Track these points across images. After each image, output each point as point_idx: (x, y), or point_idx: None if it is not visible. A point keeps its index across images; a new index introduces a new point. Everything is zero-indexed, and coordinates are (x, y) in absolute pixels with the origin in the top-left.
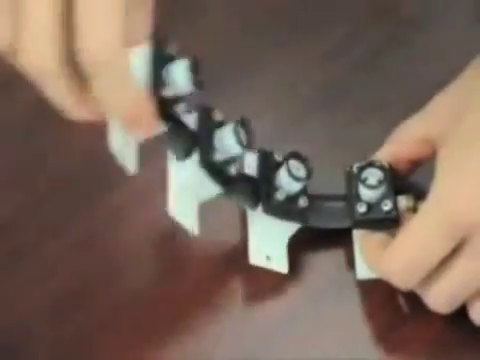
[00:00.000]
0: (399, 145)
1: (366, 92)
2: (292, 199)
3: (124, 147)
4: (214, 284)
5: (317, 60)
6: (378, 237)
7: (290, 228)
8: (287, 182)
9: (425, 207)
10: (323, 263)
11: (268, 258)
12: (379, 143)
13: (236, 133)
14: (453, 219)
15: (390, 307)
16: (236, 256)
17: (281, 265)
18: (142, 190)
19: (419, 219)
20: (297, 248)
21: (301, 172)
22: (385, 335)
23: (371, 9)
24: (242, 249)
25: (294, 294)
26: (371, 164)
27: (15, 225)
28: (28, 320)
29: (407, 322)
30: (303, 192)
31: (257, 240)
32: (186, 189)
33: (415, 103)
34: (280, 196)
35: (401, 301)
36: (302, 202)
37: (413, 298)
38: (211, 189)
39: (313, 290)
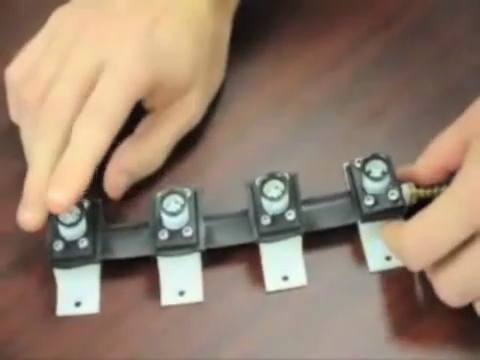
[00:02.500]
0: (434, 156)
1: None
2: (279, 218)
3: None
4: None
5: (321, 66)
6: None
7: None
8: (268, 205)
9: (450, 189)
10: (334, 260)
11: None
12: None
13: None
14: (474, 207)
15: (405, 302)
16: None
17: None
18: None
19: (443, 198)
20: (307, 249)
21: (278, 190)
22: (401, 330)
23: (373, 16)
24: None
25: (309, 293)
26: (374, 156)
27: None
28: None
29: (424, 316)
30: (289, 206)
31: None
32: None
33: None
34: (265, 221)
35: (417, 296)
36: (289, 216)
37: (429, 293)
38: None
39: (327, 288)
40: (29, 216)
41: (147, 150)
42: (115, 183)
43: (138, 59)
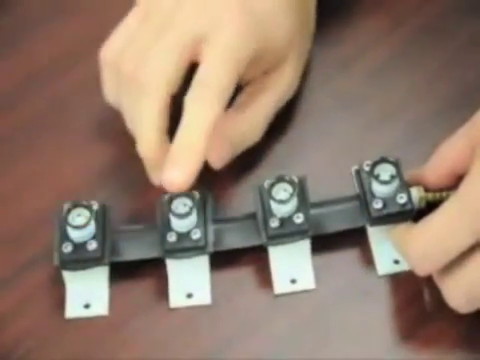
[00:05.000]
0: (442, 160)
1: (379, 101)
2: (287, 220)
3: None
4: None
5: (331, 68)
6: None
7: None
8: (277, 208)
9: (457, 194)
10: (342, 264)
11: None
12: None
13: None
14: (478, 214)
15: (414, 306)
16: None
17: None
18: None
19: (449, 203)
20: (315, 252)
21: (287, 193)
22: (410, 333)
23: (384, 18)
24: None
25: (317, 296)
26: (382, 160)
27: None
28: None
29: (433, 320)
30: (298, 209)
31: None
32: None
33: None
34: (273, 224)
35: (426, 299)
36: (297, 219)
37: (437, 297)
38: None
39: (336, 291)
40: (161, 178)
41: (249, 121)
42: (221, 153)
43: (241, 31)
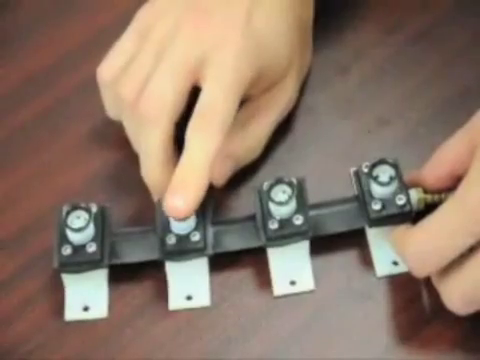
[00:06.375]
0: (441, 162)
1: (377, 104)
2: (286, 222)
3: None
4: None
5: (329, 72)
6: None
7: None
8: (276, 210)
9: (455, 196)
10: (341, 265)
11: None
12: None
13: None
14: (478, 214)
15: (413, 307)
16: None
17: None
18: None
19: (447, 205)
20: (314, 254)
21: (286, 195)
22: (409, 335)
23: (381, 22)
24: None
25: (316, 298)
26: (381, 161)
27: None
28: None
29: (431, 321)
30: (297, 211)
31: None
32: None
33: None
34: (272, 225)
35: (424, 301)
36: (296, 220)
37: (436, 298)
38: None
39: (335, 292)
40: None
41: (251, 138)
42: (223, 169)
43: (241, 54)
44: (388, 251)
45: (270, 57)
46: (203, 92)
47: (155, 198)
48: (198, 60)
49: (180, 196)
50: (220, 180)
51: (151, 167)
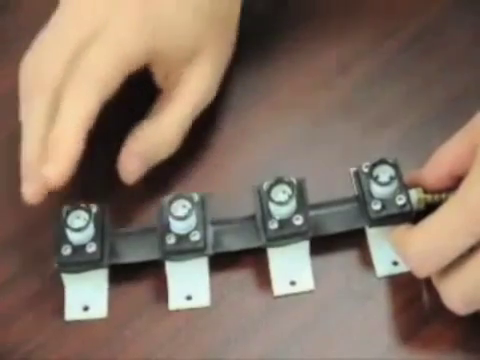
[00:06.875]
0: (441, 162)
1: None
2: (286, 222)
3: None
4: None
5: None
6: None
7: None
8: (276, 210)
9: (456, 196)
10: (341, 265)
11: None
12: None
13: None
14: (478, 215)
15: (413, 307)
16: None
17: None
18: None
19: (448, 205)
20: (314, 254)
21: (286, 195)
22: (409, 335)
23: (381, 24)
24: None
25: (316, 298)
26: (381, 161)
27: None
28: None
29: (431, 322)
30: (297, 211)
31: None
32: None
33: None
34: (272, 225)
35: (424, 301)
36: (296, 220)
37: (436, 298)
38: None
39: (335, 292)
40: (29, 191)
41: (163, 133)
42: (129, 167)
43: (132, 27)
44: (388, 251)
45: (169, 37)
46: (84, 58)
47: (24, 187)
48: (88, 34)
49: (51, 167)
50: (128, 178)
51: (26, 150)
